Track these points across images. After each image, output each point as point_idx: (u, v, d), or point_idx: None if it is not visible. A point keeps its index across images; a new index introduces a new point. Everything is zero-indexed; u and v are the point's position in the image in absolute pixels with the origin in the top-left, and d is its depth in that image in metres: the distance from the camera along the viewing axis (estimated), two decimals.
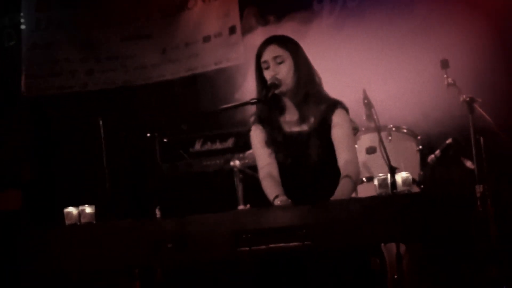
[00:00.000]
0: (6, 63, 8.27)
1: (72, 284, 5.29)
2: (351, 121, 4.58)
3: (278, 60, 4.44)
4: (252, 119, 4.58)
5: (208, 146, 6.72)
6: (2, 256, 6.71)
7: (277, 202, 4.26)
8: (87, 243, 3.72)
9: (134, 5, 8.11)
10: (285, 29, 6.18)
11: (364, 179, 5.61)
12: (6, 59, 8.31)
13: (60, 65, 8.20)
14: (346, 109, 4.51)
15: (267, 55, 4.46)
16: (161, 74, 7.95)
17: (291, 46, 4.52)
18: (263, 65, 4.47)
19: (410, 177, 3.74)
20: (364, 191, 5.44)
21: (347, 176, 4.29)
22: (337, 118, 4.44)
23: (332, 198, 4.14)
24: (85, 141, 7.62)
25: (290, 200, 4.25)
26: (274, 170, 4.52)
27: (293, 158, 4.47)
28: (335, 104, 4.48)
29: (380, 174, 3.75)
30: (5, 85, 8.16)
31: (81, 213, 3.90)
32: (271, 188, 4.42)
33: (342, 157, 4.39)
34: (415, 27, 6.57)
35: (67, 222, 3.91)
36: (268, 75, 4.44)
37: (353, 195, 4.51)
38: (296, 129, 4.50)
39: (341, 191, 4.22)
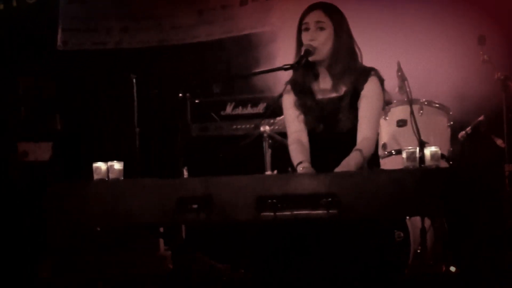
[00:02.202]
0: (45, 15, 8.28)
1: (97, 238, 5.36)
2: (383, 92, 4.51)
3: (320, 25, 4.41)
4: (285, 84, 4.55)
5: (239, 110, 6.71)
6: (32, 207, 6.79)
7: (300, 168, 4.27)
8: (114, 199, 3.73)
9: None
10: None
11: (393, 151, 5.58)
12: (45, 11, 8.31)
13: (96, 21, 8.21)
14: (380, 78, 4.47)
15: (310, 18, 4.43)
16: (196, 35, 7.92)
17: (336, 16, 4.48)
18: (303, 26, 4.44)
19: (439, 152, 3.71)
20: (392, 163, 5.41)
21: (358, 150, 4.25)
22: (368, 87, 4.40)
23: (337, 169, 4.10)
24: (117, 98, 7.65)
25: (312, 168, 4.24)
26: (304, 137, 4.51)
27: (325, 124, 4.45)
28: (369, 72, 4.44)
29: (409, 147, 3.72)
30: (42, 38, 8.18)
31: (109, 169, 3.90)
32: (297, 154, 4.41)
33: (361, 133, 4.36)
34: (453, 0, 6.49)
35: (96, 176, 3.92)
36: (306, 37, 4.41)
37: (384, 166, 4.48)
38: (328, 96, 4.48)
39: (347, 161, 4.19)
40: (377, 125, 4.50)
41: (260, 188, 3.56)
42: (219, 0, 7.91)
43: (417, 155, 3.73)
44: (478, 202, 3.59)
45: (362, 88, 4.40)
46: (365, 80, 4.41)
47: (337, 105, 4.43)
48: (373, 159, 4.50)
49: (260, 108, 6.64)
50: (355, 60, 4.48)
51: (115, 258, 5.61)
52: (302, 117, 4.52)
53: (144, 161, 6.77)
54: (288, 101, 4.56)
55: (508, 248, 5.61)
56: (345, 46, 4.44)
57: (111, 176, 3.89)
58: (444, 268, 5.24)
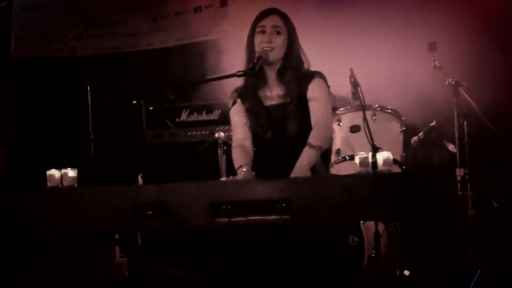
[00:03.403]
0: None
1: (51, 247, 5.31)
2: (328, 90, 4.58)
3: (276, 30, 4.48)
4: (234, 92, 4.59)
5: (194, 116, 6.70)
6: None
7: (240, 172, 4.31)
8: (68, 206, 3.70)
9: None
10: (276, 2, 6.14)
11: (346, 157, 5.61)
12: None
13: (49, 28, 8.16)
14: (323, 78, 4.54)
15: (267, 22, 4.50)
16: (150, 43, 7.93)
17: (290, 23, 4.58)
18: (258, 29, 4.50)
19: (391, 157, 3.74)
20: (346, 169, 5.44)
21: (308, 145, 4.30)
22: (313, 87, 4.48)
23: (292, 173, 4.15)
24: (71, 106, 7.59)
25: (253, 172, 4.29)
26: (247, 143, 4.56)
27: (273, 130, 4.48)
28: (312, 75, 4.52)
29: (361, 153, 3.75)
30: None
31: (63, 176, 3.88)
32: (238, 158, 4.46)
33: (313, 120, 4.43)
34: (404, 8, 6.55)
35: (49, 184, 3.88)
36: (262, 38, 4.46)
37: (336, 171, 4.50)
38: (275, 102, 4.52)
39: (299, 163, 4.25)
40: (329, 114, 4.55)
41: (214, 194, 3.55)
42: (173, 7, 7.91)
43: (370, 160, 3.75)
44: (430, 206, 3.61)
45: (306, 89, 4.48)
46: (308, 82, 4.49)
47: (285, 110, 4.47)
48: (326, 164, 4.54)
49: (215, 114, 6.64)
50: (302, 66, 4.54)
51: (70, 266, 5.56)
52: (248, 123, 4.56)
53: (99, 168, 6.72)
54: (236, 109, 4.61)
55: (460, 250, 5.69)
56: (295, 53, 4.50)
57: (65, 183, 3.86)
58: (398, 272, 5.29)
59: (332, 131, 4.55)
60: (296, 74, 4.48)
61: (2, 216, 3.78)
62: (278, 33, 4.47)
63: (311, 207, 3.51)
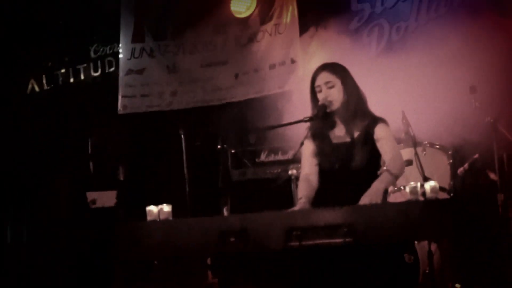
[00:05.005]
0: (107, 86, 8.42)
1: (154, 270, 5.38)
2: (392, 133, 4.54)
3: (329, 85, 4.45)
4: (305, 133, 4.59)
5: (272, 157, 6.75)
6: (100, 246, 6.85)
7: (299, 203, 4.30)
8: (165, 236, 3.76)
9: (212, 35, 8.18)
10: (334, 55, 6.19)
11: (402, 187, 5.56)
12: (107, 83, 8.47)
13: (150, 87, 8.30)
14: (387, 124, 4.47)
15: (320, 81, 4.49)
16: (233, 96, 7.99)
17: (341, 72, 4.52)
18: (317, 89, 4.50)
19: (437, 185, 3.70)
20: (402, 198, 5.39)
21: (386, 170, 4.22)
22: (380, 130, 4.41)
23: (366, 192, 4.08)
24: (169, 151, 7.71)
25: (309, 205, 4.28)
26: (313, 177, 4.51)
27: (340, 164, 4.45)
28: (378, 120, 4.47)
29: (411, 183, 3.72)
30: (105, 104, 8.31)
31: (160, 211, 3.94)
32: (301, 189, 4.44)
33: (387, 158, 4.35)
34: (449, 56, 6.50)
35: (148, 218, 3.96)
36: (320, 96, 4.46)
37: (392, 199, 4.47)
38: (343, 140, 4.50)
39: (379, 181, 4.17)
40: (397, 151, 4.46)
41: (287, 221, 3.57)
42: (252, 65, 7.98)
43: (419, 189, 3.72)
44: (476, 227, 3.56)
45: (373, 133, 4.41)
46: (374, 126, 4.43)
47: (351, 147, 4.44)
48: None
49: (289, 154, 6.67)
50: (363, 104, 4.52)
51: (170, 286, 5.61)
52: (316, 161, 4.53)
53: (193, 204, 6.79)
54: (307, 150, 4.59)
55: (506, 265, 5.58)
56: (353, 94, 4.47)
57: (162, 217, 3.92)
58: (450, 286, 5.20)
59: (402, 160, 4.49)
60: (359, 111, 4.45)
61: (115, 243, 3.88)
62: (331, 87, 4.46)
63: (371, 230, 3.49)
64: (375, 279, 3.93)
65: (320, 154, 4.52)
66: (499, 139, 5.75)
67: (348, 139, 4.48)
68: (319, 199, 4.40)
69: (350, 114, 4.46)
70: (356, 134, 4.46)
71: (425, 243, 4.89)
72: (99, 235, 7.01)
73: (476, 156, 6.01)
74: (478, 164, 6.01)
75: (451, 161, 5.81)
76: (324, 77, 4.48)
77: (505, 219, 5.65)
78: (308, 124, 4.54)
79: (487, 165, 5.96)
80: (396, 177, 4.29)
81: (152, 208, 3.93)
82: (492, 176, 5.88)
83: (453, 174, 5.85)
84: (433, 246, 4.95)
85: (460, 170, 6.00)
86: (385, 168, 4.25)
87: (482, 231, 5.71)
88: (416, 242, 4.83)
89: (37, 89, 8.60)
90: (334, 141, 4.52)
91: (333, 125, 4.55)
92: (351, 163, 4.40)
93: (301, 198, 4.35)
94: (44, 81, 8.61)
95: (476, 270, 5.60)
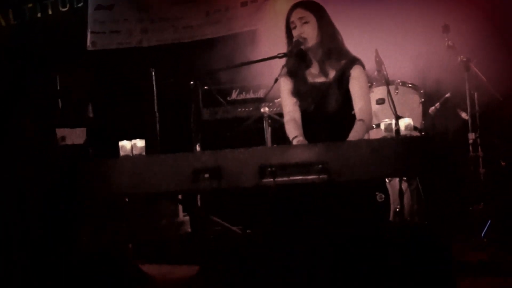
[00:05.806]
0: (75, 21, 8.25)
1: (124, 206, 5.35)
2: (367, 76, 4.52)
3: (304, 20, 4.42)
4: (281, 70, 4.53)
5: (243, 95, 6.68)
6: (70, 183, 6.77)
7: (295, 142, 4.28)
8: (138, 172, 3.71)
9: None
10: None
11: (373, 125, 5.56)
12: (76, 18, 8.29)
13: (120, 24, 8.17)
14: (363, 66, 4.46)
15: (294, 16, 4.44)
16: (204, 33, 7.90)
17: (315, 9, 4.47)
18: (291, 25, 4.46)
19: (412, 123, 3.70)
20: (373, 135, 5.41)
21: (360, 120, 4.26)
22: (355, 72, 4.40)
23: (347, 139, 4.11)
24: (139, 89, 7.62)
25: (306, 141, 4.24)
26: (297, 116, 4.50)
27: (315, 105, 4.43)
28: (354, 61, 4.44)
29: (386, 120, 3.70)
30: (74, 40, 8.15)
31: (133, 146, 3.89)
32: (292, 130, 4.42)
33: (357, 105, 4.36)
34: None
35: (121, 153, 3.90)
36: (295, 33, 4.42)
37: (366, 137, 4.47)
38: (318, 80, 4.47)
39: (355, 132, 4.21)
40: (369, 98, 4.51)
41: (261, 158, 3.54)
42: (223, 2, 7.87)
43: (393, 126, 3.71)
44: (446, 165, 3.56)
45: (349, 74, 4.40)
46: (351, 67, 4.41)
47: (326, 88, 4.42)
48: None
49: (261, 93, 6.61)
50: (338, 43, 4.48)
51: (141, 224, 5.59)
52: (295, 99, 4.51)
53: (164, 141, 6.73)
54: (285, 88, 4.56)
55: (472, 202, 5.66)
56: (328, 32, 4.43)
57: (135, 152, 3.87)
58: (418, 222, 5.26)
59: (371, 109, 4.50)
60: (334, 50, 4.42)
61: (85, 181, 3.82)
62: (306, 22, 4.41)
63: (345, 167, 3.48)
64: (347, 217, 3.94)
65: (297, 93, 4.49)
66: (471, 79, 5.75)
67: (323, 79, 4.45)
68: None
69: (325, 52, 4.42)
70: (332, 74, 4.44)
71: (396, 182, 4.92)
72: (68, 172, 6.93)
73: (448, 95, 6.03)
74: (449, 103, 6.03)
75: (423, 100, 5.82)
76: (299, 13, 4.43)
77: (474, 158, 5.72)
78: (283, 62, 4.50)
79: (458, 105, 5.98)
80: (368, 127, 4.34)
81: (125, 143, 3.88)
82: (463, 115, 5.91)
83: (425, 113, 5.88)
84: (404, 185, 4.98)
85: (432, 109, 6.02)
86: (360, 118, 4.27)
87: (452, 170, 5.77)
88: (387, 182, 4.84)
89: (3, 23, 8.39)
90: (310, 80, 4.48)
91: (308, 65, 4.52)
92: (327, 106, 4.39)
93: (296, 136, 4.35)
94: (10, 16, 8.40)
95: (444, 208, 5.68)
